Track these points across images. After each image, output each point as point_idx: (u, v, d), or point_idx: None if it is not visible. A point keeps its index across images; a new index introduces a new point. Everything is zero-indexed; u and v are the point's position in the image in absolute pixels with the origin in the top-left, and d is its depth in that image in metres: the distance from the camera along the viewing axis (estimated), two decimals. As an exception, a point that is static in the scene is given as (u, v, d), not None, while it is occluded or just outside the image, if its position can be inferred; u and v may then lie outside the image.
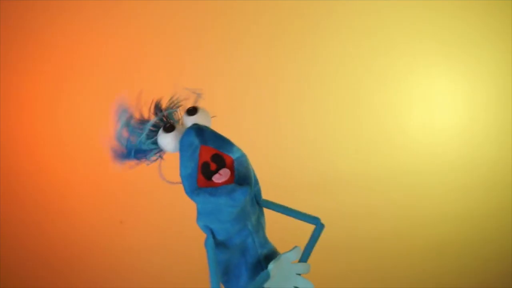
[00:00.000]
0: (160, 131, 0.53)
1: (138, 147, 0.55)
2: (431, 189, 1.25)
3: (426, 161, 1.25)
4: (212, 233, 0.53)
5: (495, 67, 1.22)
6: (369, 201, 1.22)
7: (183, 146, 0.52)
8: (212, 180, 0.52)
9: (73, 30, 1.27)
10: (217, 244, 0.54)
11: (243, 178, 0.52)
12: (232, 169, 0.52)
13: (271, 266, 0.51)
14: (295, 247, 0.52)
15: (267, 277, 0.50)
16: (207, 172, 0.52)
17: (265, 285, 0.50)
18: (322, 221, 0.56)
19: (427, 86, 1.25)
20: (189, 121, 0.53)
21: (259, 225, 0.55)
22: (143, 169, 1.37)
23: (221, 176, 0.51)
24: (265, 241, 0.55)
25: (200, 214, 0.53)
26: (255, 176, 0.55)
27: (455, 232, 1.24)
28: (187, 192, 0.53)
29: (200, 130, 0.52)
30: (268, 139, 1.21)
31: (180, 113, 0.55)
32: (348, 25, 1.24)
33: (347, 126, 1.25)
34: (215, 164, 0.52)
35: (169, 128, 0.53)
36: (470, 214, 1.24)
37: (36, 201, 1.29)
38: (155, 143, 0.54)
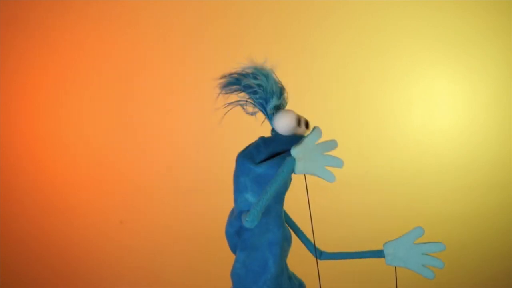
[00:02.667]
0: (292, 116, 0.58)
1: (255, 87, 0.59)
2: (431, 189, 1.25)
3: (426, 161, 1.25)
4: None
5: (495, 67, 1.22)
6: (369, 201, 1.22)
7: (293, 143, 0.54)
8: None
9: (74, 30, 1.27)
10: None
11: None
12: None
13: (294, 150, 0.52)
14: (315, 127, 0.54)
15: (293, 161, 0.52)
16: None
17: (295, 170, 0.51)
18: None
19: (427, 86, 1.25)
20: (302, 130, 0.59)
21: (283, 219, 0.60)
22: (143, 169, 1.38)
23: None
24: (289, 236, 0.61)
25: (250, 183, 0.56)
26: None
27: (455, 232, 1.24)
28: (254, 160, 0.56)
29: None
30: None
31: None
32: (348, 25, 1.24)
33: (347, 126, 1.25)
34: None
35: (299, 122, 0.58)
36: (470, 214, 1.24)
37: (36, 201, 1.29)
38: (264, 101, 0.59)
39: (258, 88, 0.57)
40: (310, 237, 0.60)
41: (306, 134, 0.56)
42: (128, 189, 1.28)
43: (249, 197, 0.56)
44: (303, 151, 0.52)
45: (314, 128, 0.54)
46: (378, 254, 0.59)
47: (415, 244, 0.59)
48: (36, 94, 1.28)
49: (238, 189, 0.57)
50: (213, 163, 1.21)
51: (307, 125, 0.58)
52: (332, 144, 0.54)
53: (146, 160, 1.28)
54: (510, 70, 1.21)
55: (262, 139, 0.57)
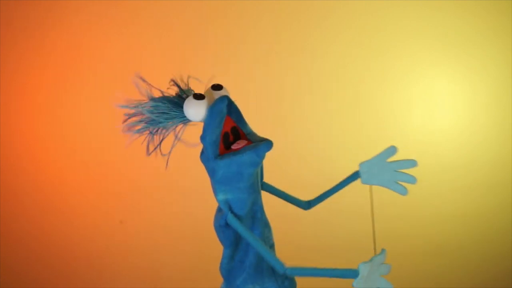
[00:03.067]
0: (189, 99, 0.56)
1: (160, 119, 0.58)
2: (431, 189, 1.25)
3: (426, 161, 1.25)
4: (230, 208, 0.56)
5: (495, 67, 1.22)
6: (369, 201, 1.22)
7: (213, 113, 0.54)
8: (231, 149, 0.55)
9: (74, 30, 1.27)
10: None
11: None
12: (247, 140, 0.56)
13: (363, 266, 0.51)
14: (383, 250, 0.54)
15: (357, 275, 0.51)
16: (227, 142, 0.55)
17: (354, 283, 0.51)
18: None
19: (427, 86, 1.25)
20: (216, 94, 0.56)
21: (262, 204, 0.58)
22: (143, 169, 1.38)
23: (239, 145, 0.55)
24: (268, 223, 0.59)
25: (220, 184, 0.55)
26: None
27: (455, 232, 1.24)
28: (210, 158, 0.56)
29: (230, 101, 0.55)
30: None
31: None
32: (348, 25, 1.24)
33: (347, 126, 1.25)
34: (232, 136, 0.56)
35: (200, 96, 0.55)
36: (470, 214, 1.24)
37: (36, 201, 1.29)
38: (175, 114, 0.57)
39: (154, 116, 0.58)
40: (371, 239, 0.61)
41: (214, 94, 0.56)
42: (128, 189, 1.28)
43: (221, 197, 0.56)
44: (368, 268, 0.52)
45: (383, 250, 0.55)
46: (355, 176, 0.61)
47: (388, 162, 0.61)
48: (36, 94, 1.28)
49: (213, 192, 0.57)
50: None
51: (214, 87, 0.56)
52: (388, 268, 0.55)
53: (146, 160, 1.28)
54: (510, 70, 1.21)
55: (200, 136, 0.56)
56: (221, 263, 0.58)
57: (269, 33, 1.24)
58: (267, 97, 1.24)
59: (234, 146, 0.55)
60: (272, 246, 0.60)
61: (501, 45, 1.21)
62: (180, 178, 1.27)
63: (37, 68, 1.27)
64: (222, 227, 0.56)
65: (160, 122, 0.58)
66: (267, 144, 0.54)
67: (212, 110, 0.54)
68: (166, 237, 1.27)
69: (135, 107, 0.60)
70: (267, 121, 1.23)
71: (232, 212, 0.55)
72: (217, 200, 0.57)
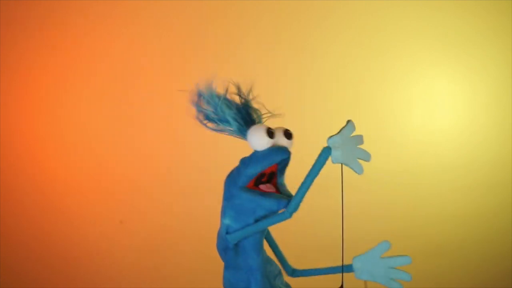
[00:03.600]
0: (260, 131, 0.57)
1: (221, 115, 0.59)
2: (431, 189, 1.25)
3: (426, 161, 1.25)
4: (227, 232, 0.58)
5: (495, 67, 1.22)
6: (369, 201, 1.22)
7: (269, 156, 0.56)
8: (259, 187, 0.57)
9: (75, 30, 1.27)
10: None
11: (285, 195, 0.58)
12: (276, 187, 0.58)
13: (331, 140, 0.53)
14: (349, 120, 0.56)
15: (328, 150, 0.53)
16: (259, 179, 0.57)
17: (333, 158, 0.53)
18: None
19: (427, 86, 1.25)
20: (284, 142, 0.58)
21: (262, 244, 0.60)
22: (143, 169, 1.37)
23: (267, 187, 0.57)
24: (269, 258, 0.61)
25: (231, 209, 0.57)
26: None
27: (455, 232, 1.24)
28: (237, 184, 0.57)
29: (288, 157, 0.58)
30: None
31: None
32: (348, 25, 1.24)
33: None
34: (266, 178, 0.58)
35: (271, 134, 0.57)
36: (470, 214, 1.24)
37: (36, 201, 1.29)
38: (238, 126, 0.58)
39: (211, 113, 0.58)
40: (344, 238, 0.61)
41: (280, 138, 0.58)
42: (128, 189, 1.28)
43: (227, 221, 0.58)
44: (340, 141, 0.53)
45: (349, 121, 0.55)
46: (348, 269, 0.61)
47: (382, 258, 0.60)
48: (36, 94, 1.28)
49: (221, 212, 0.59)
50: (213, 163, 1.21)
51: (287, 134, 0.58)
52: (362, 138, 0.57)
53: (146, 160, 1.28)
54: (510, 70, 1.21)
55: (241, 160, 0.57)
56: (223, 283, 0.59)
57: (269, 33, 1.24)
58: (267, 97, 1.24)
59: (262, 186, 0.57)
60: (278, 275, 0.61)
61: (501, 45, 1.21)
62: (180, 178, 1.27)
63: (37, 68, 1.27)
64: (223, 250, 0.58)
65: (226, 122, 0.59)
66: (287, 202, 0.55)
67: (270, 154, 0.56)
68: (166, 237, 1.27)
69: (210, 100, 0.60)
70: (267, 121, 1.23)
71: (228, 232, 0.57)
72: (222, 221, 0.58)
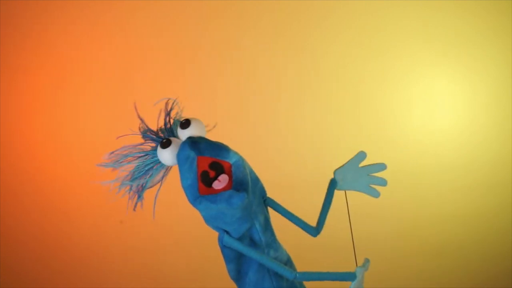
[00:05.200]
0: (158, 148, 0.56)
1: (143, 181, 0.60)
2: (431, 189, 1.25)
3: (426, 161, 1.25)
4: (225, 231, 0.56)
5: (495, 67, 1.22)
6: (369, 201, 1.22)
7: (180, 160, 0.55)
8: (212, 187, 0.55)
9: (74, 31, 1.27)
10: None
11: (241, 183, 0.55)
12: (230, 174, 0.56)
13: (359, 269, 0.55)
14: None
15: (354, 277, 0.54)
16: (207, 180, 0.55)
17: (352, 286, 0.54)
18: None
19: (427, 86, 1.25)
20: (184, 134, 0.56)
21: (267, 224, 0.58)
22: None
23: (220, 183, 0.55)
24: (272, 242, 0.58)
25: (207, 220, 0.56)
26: (254, 176, 0.57)
27: (455, 232, 1.24)
28: (190, 202, 0.56)
29: (194, 143, 0.55)
30: (269, 139, 1.21)
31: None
32: (348, 25, 1.24)
33: (347, 126, 1.25)
34: (214, 171, 0.55)
35: (166, 143, 0.56)
36: (470, 214, 1.24)
37: (36, 201, 1.29)
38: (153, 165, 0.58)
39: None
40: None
41: (183, 130, 0.56)
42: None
43: (214, 225, 0.56)
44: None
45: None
46: (333, 183, 0.63)
47: (360, 167, 0.62)
48: (35, 94, 1.28)
49: None
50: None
51: (182, 124, 0.56)
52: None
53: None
54: (510, 70, 1.21)
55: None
56: (230, 276, 0.59)
57: (269, 33, 1.24)
58: (267, 97, 1.24)
59: (215, 185, 0.55)
60: (288, 261, 0.60)
61: (501, 45, 1.21)
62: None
63: (37, 68, 1.27)
64: (222, 247, 0.57)
65: (145, 179, 0.60)
66: (241, 196, 0.53)
67: (178, 158, 0.55)
68: (166, 237, 1.27)
69: (117, 165, 0.61)
70: (267, 121, 1.23)
71: (227, 233, 0.56)
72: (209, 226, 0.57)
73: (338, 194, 0.62)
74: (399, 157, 1.23)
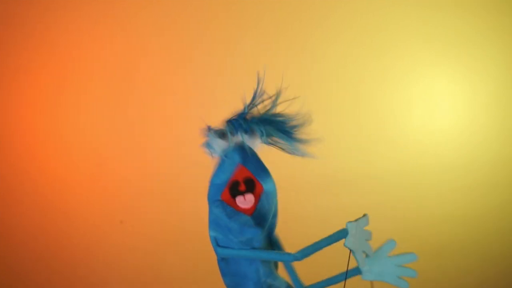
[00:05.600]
0: (213, 133, 0.55)
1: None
2: (431, 189, 1.25)
3: (426, 161, 1.25)
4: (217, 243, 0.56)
5: (495, 67, 1.22)
6: (369, 201, 1.22)
7: (224, 157, 0.54)
8: (235, 200, 0.54)
9: (75, 30, 1.27)
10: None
11: (262, 216, 0.55)
12: (257, 198, 0.55)
13: (350, 224, 0.55)
14: (366, 214, 0.57)
15: (346, 233, 0.54)
16: (234, 190, 0.54)
17: (346, 243, 0.54)
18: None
19: (427, 86, 1.25)
20: (245, 138, 0.56)
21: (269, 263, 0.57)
22: (143, 170, 1.37)
23: (245, 201, 0.54)
24: (270, 272, 0.57)
25: (212, 223, 0.55)
26: (275, 209, 0.57)
27: (455, 232, 1.24)
28: (208, 198, 0.55)
29: (244, 151, 0.55)
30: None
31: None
32: (348, 25, 1.24)
33: (347, 126, 1.25)
34: (245, 186, 0.55)
35: (222, 135, 0.55)
36: (470, 214, 1.24)
37: (36, 201, 1.29)
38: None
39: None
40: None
41: (236, 145, 0.55)
42: (128, 189, 1.28)
43: (212, 233, 0.56)
44: (354, 230, 0.56)
45: (365, 215, 0.57)
46: (355, 271, 0.60)
47: (389, 256, 0.61)
48: (35, 94, 1.28)
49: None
50: (213, 163, 1.21)
51: (221, 134, 0.55)
52: (371, 234, 0.58)
53: (146, 160, 1.28)
54: (510, 70, 1.21)
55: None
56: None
57: (269, 32, 1.24)
58: (267, 97, 1.24)
59: (238, 201, 0.54)
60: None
61: (501, 45, 1.21)
62: (180, 178, 1.27)
63: (36, 67, 1.27)
64: (219, 260, 0.56)
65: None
66: (255, 232, 0.53)
67: (224, 154, 0.55)
68: (166, 237, 1.27)
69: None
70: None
71: (219, 245, 0.55)
72: (209, 231, 0.56)
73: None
74: (399, 157, 1.23)
